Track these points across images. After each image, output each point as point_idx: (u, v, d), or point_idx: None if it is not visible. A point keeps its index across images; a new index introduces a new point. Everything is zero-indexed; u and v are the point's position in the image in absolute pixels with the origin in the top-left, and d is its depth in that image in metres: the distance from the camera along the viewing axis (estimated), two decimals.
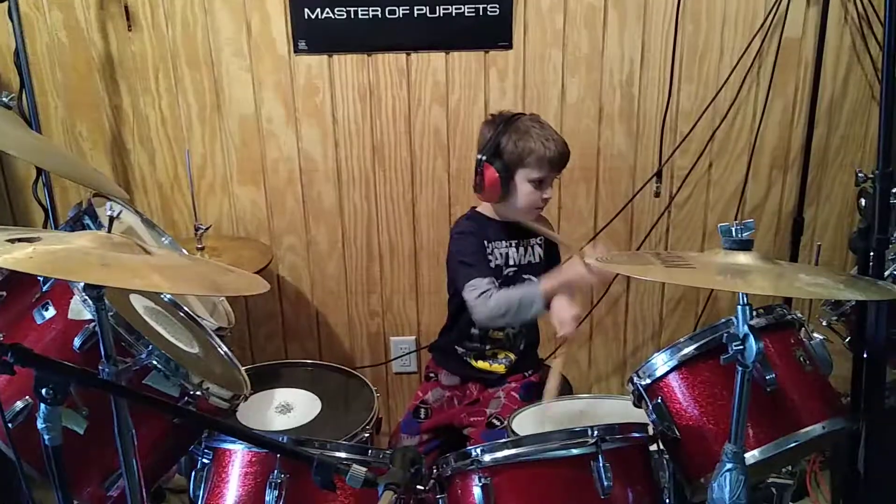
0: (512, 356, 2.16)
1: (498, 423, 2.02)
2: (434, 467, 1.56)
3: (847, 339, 1.85)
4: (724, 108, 2.57)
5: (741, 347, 1.23)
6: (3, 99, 1.78)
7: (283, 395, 2.09)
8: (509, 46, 2.49)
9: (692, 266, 1.33)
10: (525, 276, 2.08)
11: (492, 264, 2.05)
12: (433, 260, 2.71)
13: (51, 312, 1.43)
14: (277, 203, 2.65)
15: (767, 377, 1.40)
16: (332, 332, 2.82)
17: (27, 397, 1.33)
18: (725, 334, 1.26)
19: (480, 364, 2.16)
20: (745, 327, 1.22)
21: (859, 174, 1.72)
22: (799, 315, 1.59)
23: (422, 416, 2.16)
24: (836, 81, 2.56)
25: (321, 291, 2.77)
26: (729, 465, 1.29)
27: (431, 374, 2.24)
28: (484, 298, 1.93)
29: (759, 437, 1.44)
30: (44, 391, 1.11)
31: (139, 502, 1.31)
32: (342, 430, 1.89)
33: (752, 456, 1.41)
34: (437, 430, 2.15)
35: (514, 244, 2.08)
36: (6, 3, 2.19)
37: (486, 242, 2.06)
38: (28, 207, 2.60)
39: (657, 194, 2.64)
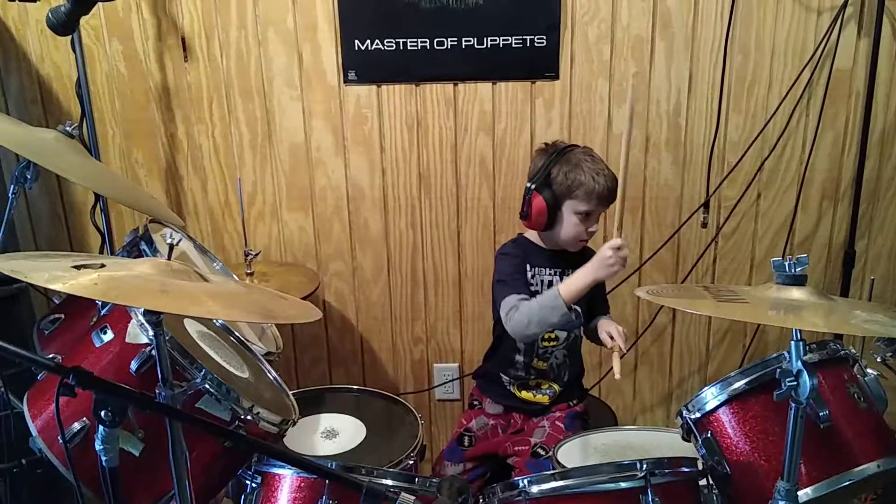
0: (556, 387, 2.15)
1: (543, 453, 2.01)
2: (480, 497, 1.56)
3: None
4: (773, 138, 2.55)
5: (795, 383, 1.21)
6: (67, 128, 1.84)
7: (328, 420, 2.11)
8: (556, 77, 2.51)
9: (745, 301, 1.32)
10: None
11: (532, 289, 2.05)
12: (477, 287, 2.72)
13: (109, 336, 1.46)
14: (325, 230, 2.69)
15: (821, 413, 1.35)
16: (376, 358, 2.84)
17: (84, 419, 1.36)
18: (778, 370, 1.24)
19: (524, 394, 2.15)
20: (799, 363, 1.21)
21: None
22: (852, 350, 1.57)
23: (465, 443, 2.16)
24: (889, 112, 2.53)
25: (366, 317, 2.79)
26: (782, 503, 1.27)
27: (475, 402, 2.24)
28: (512, 313, 1.94)
29: (812, 474, 1.41)
30: (103, 413, 1.14)
31: None
32: (387, 456, 1.89)
33: (804, 494, 1.38)
34: (481, 458, 2.14)
35: (558, 273, 2.07)
36: (69, 36, 2.26)
37: (528, 266, 2.07)
38: (85, 231, 2.67)
39: (704, 225, 2.63)
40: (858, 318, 1.25)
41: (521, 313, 1.93)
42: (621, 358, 1.88)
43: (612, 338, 1.96)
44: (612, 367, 1.85)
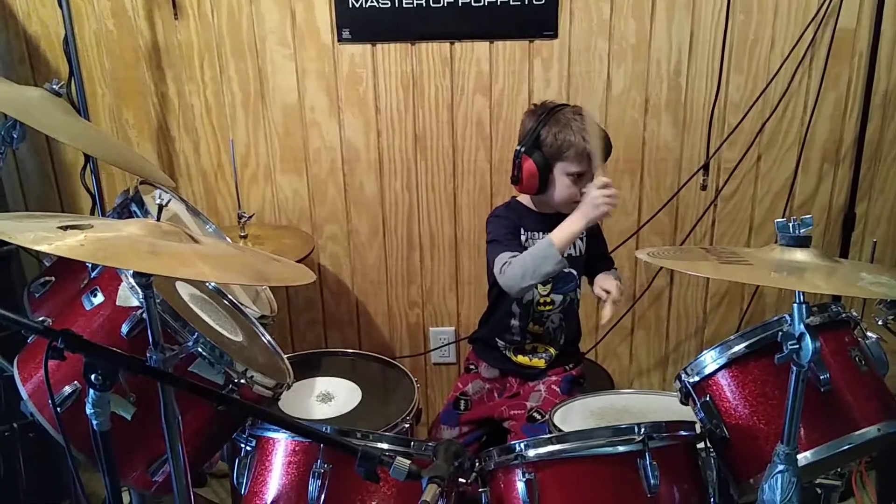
0: (552, 351, 2.13)
1: (539, 417, 2.00)
2: (476, 461, 1.55)
3: None
4: (775, 100, 2.51)
5: (797, 347, 1.20)
6: (54, 86, 1.79)
7: (323, 383, 2.10)
8: (554, 36, 2.46)
9: (747, 262, 1.30)
10: (566, 270, 2.06)
11: None
12: (473, 251, 2.70)
13: (99, 299, 1.43)
14: (319, 192, 2.65)
15: (822, 377, 1.34)
16: (371, 322, 2.82)
17: (75, 382, 1.34)
18: (780, 333, 1.22)
19: (520, 359, 2.14)
20: (802, 326, 1.19)
21: None
22: (853, 313, 1.55)
23: (461, 407, 2.16)
24: (892, 73, 2.49)
25: (361, 281, 2.77)
26: (781, 467, 1.25)
27: (472, 366, 2.23)
28: (505, 268, 1.91)
29: (812, 438, 1.39)
30: (93, 377, 1.12)
31: (184, 488, 1.32)
32: (383, 420, 1.89)
33: (804, 458, 1.37)
34: (477, 422, 2.14)
35: None
36: None
37: (521, 230, 2.04)
38: (75, 194, 2.63)
39: (704, 187, 2.60)
40: (865, 280, 1.23)
41: (513, 267, 1.89)
42: (613, 309, 1.91)
43: (607, 292, 1.95)
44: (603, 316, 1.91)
